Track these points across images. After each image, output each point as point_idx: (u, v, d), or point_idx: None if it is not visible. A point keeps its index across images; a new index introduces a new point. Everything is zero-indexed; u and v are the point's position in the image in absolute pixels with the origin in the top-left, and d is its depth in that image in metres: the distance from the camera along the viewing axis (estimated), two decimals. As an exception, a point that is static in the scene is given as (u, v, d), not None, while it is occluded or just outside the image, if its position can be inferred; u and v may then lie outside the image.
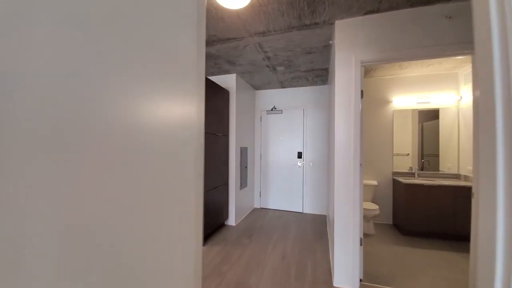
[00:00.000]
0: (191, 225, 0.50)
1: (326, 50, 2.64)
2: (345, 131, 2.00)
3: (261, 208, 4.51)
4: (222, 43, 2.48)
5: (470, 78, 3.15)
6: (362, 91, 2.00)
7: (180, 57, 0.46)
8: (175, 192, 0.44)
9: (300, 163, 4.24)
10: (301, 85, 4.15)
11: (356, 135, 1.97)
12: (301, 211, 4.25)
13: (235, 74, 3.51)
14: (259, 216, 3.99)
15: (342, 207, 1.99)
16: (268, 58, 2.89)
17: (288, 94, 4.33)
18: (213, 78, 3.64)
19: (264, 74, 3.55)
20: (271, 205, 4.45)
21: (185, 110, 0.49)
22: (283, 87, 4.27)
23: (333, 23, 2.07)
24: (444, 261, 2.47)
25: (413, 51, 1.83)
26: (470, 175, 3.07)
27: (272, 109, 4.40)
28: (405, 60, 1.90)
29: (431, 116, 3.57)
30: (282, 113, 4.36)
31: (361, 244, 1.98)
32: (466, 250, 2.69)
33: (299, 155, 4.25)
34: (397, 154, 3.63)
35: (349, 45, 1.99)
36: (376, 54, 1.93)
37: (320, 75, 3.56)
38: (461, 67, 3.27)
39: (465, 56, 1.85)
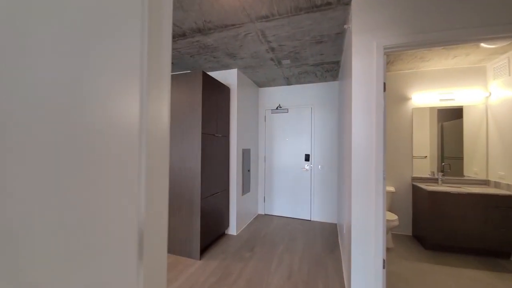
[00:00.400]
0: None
1: (339, 38, 2.31)
2: (365, 132, 1.67)
3: (265, 214, 4.19)
4: (219, 31, 2.18)
5: (501, 71, 2.76)
6: (384, 84, 1.67)
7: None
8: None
9: (307, 166, 3.91)
10: (309, 81, 3.82)
11: (379, 137, 1.63)
12: (309, 219, 3.91)
13: (236, 69, 3.21)
14: (263, 224, 3.67)
15: (360, 223, 1.66)
16: (272, 49, 2.58)
17: (294, 92, 4.01)
18: (212, 74, 3.35)
19: (268, 69, 3.24)
20: (276, 212, 4.12)
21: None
22: (289, 84, 3.95)
23: (349, 3, 1.74)
24: (475, 281, 2.10)
25: (452, 33, 1.49)
26: (503, 181, 2.69)
27: (277, 108, 4.09)
28: (441, 45, 1.55)
29: (452, 115, 3.19)
30: (288, 112, 4.04)
31: (384, 267, 1.64)
32: (501, 268, 2.32)
33: (307, 158, 3.92)
34: (414, 157, 3.27)
35: (369, 28, 1.67)
36: (403, 38, 1.59)
37: (330, 69, 3.22)
38: (490, 60, 2.89)
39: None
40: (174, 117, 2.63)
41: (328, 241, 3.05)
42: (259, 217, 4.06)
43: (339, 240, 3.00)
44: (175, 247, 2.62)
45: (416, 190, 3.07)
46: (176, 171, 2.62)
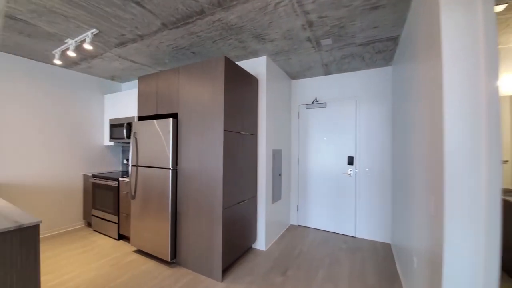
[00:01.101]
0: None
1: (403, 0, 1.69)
2: (468, 132, 1.05)
3: (298, 225, 3.64)
4: (243, 1, 1.74)
5: None
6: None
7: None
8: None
9: (351, 171, 3.25)
10: (354, 68, 3.17)
11: (494, 139, 1.01)
12: (353, 235, 3.24)
13: (265, 57, 2.75)
14: (297, 238, 3.13)
15: (461, 257, 1.05)
16: (310, 24, 2.05)
17: (334, 82, 3.39)
18: (238, 64, 2.94)
19: (304, 54, 2.70)
20: (313, 223, 3.53)
21: None
22: (328, 73, 3.35)
23: None
24: None
25: None
26: None
27: (313, 102, 3.51)
28: None
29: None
30: (326, 106, 3.43)
31: None
32: None
33: (350, 161, 3.26)
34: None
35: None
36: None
37: (383, 49, 2.56)
38: None
39: None
40: (191, 111, 2.28)
41: (382, 267, 2.38)
42: (291, 228, 3.52)
43: (398, 269, 2.31)
44: (193, 260, 2.25)
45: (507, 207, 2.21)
46: (195, 174, 2.25)
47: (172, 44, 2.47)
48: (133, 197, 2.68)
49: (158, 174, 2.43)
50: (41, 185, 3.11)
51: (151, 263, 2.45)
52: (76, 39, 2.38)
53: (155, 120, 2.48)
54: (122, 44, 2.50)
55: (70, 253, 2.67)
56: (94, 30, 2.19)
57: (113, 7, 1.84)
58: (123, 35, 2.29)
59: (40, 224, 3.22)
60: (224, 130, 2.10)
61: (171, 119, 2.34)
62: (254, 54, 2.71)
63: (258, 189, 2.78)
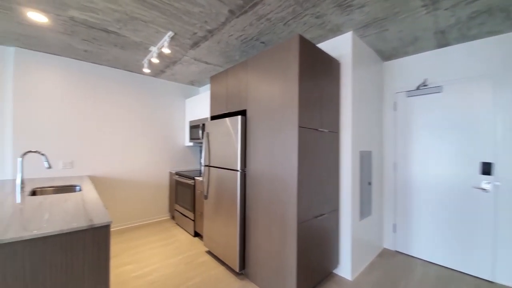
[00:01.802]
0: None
1: None
2: None
3: (396, 251, 2.79)
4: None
5: None
6: None
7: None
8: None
9: (487, 184, 2.19)
10: (490, 32, 2.12)
11: None
12: (490, 279, 2.17)
13: (350, 32, 2.17)
14: (396, 270, 2.35)
15: None
16: (429, -36, 1.38)
17: (454, 57, 2.40)
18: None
19: (408, 21, 1.97)
20: (419, 252, 2.62)
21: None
22: (443, 44, 2.40)
23: None
24: None
25: None
26: None
27: (419, 87, 2.61)
28: None
29: None
30: (441, 91, 2.48)
31: None
32: None
33: (486, 169, 2.20)
34: None
35: None
36: None
37: None
38: None
39: None
40: (260, 106, 1.99)
41: None
42: (385, 254, 2.72)
43: None
44: (263, 276, 1.95)
45: None
46: (264, 178, 1.95)
47: (241, 35, 2.28)
48: (206, 197, 2.66)
49: (228, 176, 2.28)
50: (135, 180, 3.60)
51: (221, 269, 2.32)
52: (157, 46, 2.54)
53: (222, 119, 2.36)
54: (195, 44, 2.50)
55: (153, 245, 2.90)
56: (170, 33, 2.25)
57: (182, 1, 1.77)
58: (194, 33, 2.26)
59: (133, 214, 3.79)
60: (299, 127, 1.70)
61: (239, 116, 2.13)
62: (335, 31, 2.18)
63: (341, 200, 2.22)
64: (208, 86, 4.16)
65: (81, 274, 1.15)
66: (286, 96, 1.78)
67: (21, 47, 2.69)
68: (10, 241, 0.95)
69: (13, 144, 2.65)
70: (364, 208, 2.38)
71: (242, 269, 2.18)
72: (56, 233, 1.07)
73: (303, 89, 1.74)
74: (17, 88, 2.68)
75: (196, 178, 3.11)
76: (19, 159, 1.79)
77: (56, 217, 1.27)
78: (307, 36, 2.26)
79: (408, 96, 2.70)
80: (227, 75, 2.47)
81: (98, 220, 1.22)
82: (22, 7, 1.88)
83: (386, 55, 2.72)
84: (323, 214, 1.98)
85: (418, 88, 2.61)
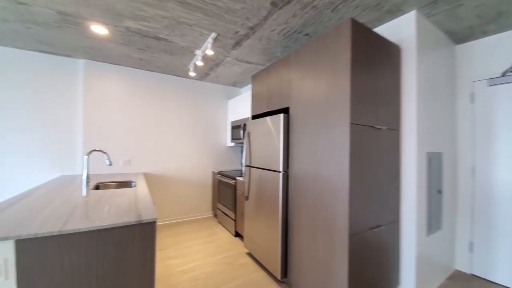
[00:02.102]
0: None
1: None
2: None
3: (472, 275, 2.27)
4: None
5: None
6: None
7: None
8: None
9: None
10: None
11: None
12: None
13: (413, 12, 1.84)
14: (475, 299, 1.90)
15: None
16: None
17: None
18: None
19: (497, -13, 1.56)
20: (502, 277, 2.07)
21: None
22: (547, 15, 1.85)
23: None
24: None
25: None
26: None
27: (506, 73, 2.07)
28: None
29: None
30: (543, 76, 1.91)
31: None
32: None
33: None
34: None
35: None
36: None
37: None
38: None
39: None
40: (305, 102, 1.82)
41: None
42: (458, 277, 2.23)
43: None
44: (307, 286, 1.78)
45: None
46: (309, 181, 1.78)
47: (283, 29, 2.16)
48: (247, 198, 2.61)
49: (269, 177, 2.18)
50: (182, 178, 3.81)
51: (261, 274, 2.23)
52: (201, 49, 2.61)
53: (263, 118, 2.27)
54: (237, 44, 2.49)
55: (197, 241, 2.99)
56: (213, 35, 2.27)
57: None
58: (236, 32, 2.23)
59: (180, 209, 4.00)
60: (351, 123, 1.49)
61: (281, 114, 2.02)
62: (394, 12, 1.88)
63: (403, 210, 1.89)
64: (249, 87, 4.16)
65: (129, 266, 1.19)
66: (335, 89, 1.58)
67: (88, 59, 3.09)
68: (70, 232, 1.03)
69: (83, 143, 3.07)
70: (432, 221, 1.99)
71: (284, 277, 2.04)
72: (109, 227, 1.13)
73: (355, 80, 1.52)
74: (86, 95, 3.09)
75: (237, 178, 3.10)
76: (85, 157, 2.02)
77: (111, 210, 1.36)
78: (361, 21, 2.01)
79: (490, 85, 2.17)
80: (268, 72, 2.38)
81: (146, 216, 1.25)
82: (87, 21, 2.14)
83: (459, 37, 2.24)
84: (381, 226, 1.70)
85: (504, 75, 2.07)
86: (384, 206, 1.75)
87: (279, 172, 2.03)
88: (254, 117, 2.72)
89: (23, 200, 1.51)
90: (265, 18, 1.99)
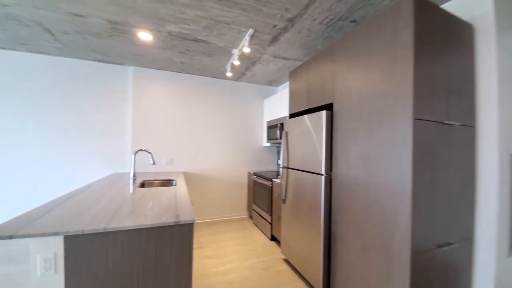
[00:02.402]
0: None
1: None
2: None
3: None
4: None
5: None
6: None
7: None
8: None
9: None
10: None
11: None
12: None
13: (496, -20, 1.48)
14: None
15: None
16: None
17: None
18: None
19: None
20: None
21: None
22: None
23: None
24: None
25: None
26: None
27: None
28: None
29: None
30: None
31: None
32: None
33: None
34: None
35: None
36: None
37: None
38: None
39: None
40: (353, 97, 1.61)
41: None
42: None
43: None
44: (356, 315, 1.56)
45: None
46: (358, 187, 1.56)
47: (326, 17, 1.97)
48: (284, 201, 2.48)
49: (309, 180, 2.01)
50: (218, 177, 3.85)
51: (300, 285, 2.07)
52: (238, 47, 2.57)
53: (302, 116, 2.11)
54: (274, 39, 2.38)
55: (233, 242, 2.96)
56: (250, 31, 2.21)
57: (262, -10, 1.65)
58: (274, 26, 2.12)
59: (216, 209, 4.03)
60: (415, 119, 1.24)
61: (324, 112, 1.83)
62: (468, -15, 1.54)
63: (479, 225, 1.53)
64: (285, 85, 4.02)
65: (168, 266, 1.18)
66: (394, 78, 1.35)
67: (136, 66, 3.33)
68: (113, 230, 1.04)
69: (131, 144, 3.32)
70: (522, 241, 1.57)
71: (327, 291, 1.85)
72: (148, 226, 1.12)
73: (419, 66, 1.27)
74: (134, 99, 3.34)
75: (273, 180, 2.99)
76: (132, 156, 2.15)
77: (153, 209, 1.37)
78: (418, 1, 1.71)
79: None
80: (308, 67, 2.21)
81: (184, 218, 1.22)
82: (134, 28, 2.27)
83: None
84: (451, 243, 1.40)
85: None
86: (456, 219, 1.43)
87: (321, 175, 1.84)
88: (292, 115, 2.58)
89: (78, 196, 1.64)
90: (306, 6, 1.83)
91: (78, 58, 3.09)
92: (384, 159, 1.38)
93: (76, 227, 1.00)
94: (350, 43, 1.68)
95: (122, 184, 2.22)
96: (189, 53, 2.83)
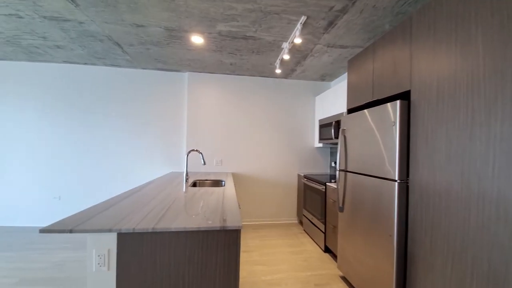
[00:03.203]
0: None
1: None
2: None
3: None
4: None
5: None
6: None
7: None
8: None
9: None
10: None
11: None
12: None
13: None
14: None
15: None
16: None
17: None
18: None
19: None
20: None
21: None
22: None
23: None
24: None
25: None
26: None
27: None
28: None
29: None
30: None
31: None
32: None
33: None
34: None
35: None
36: None
37: None
38: None
39: None
40: (439, 79, 1.22)
41: None
42: None
43: None
44: None
45: None
46: (455, 197, 1.17)
47: (397, -11, 1.62)
48: (341, 210, 2.16)
49: (375, 186, 1.67)
50: (266, 179, 3.72)
51: (364, 312, 1.73)
52: (289, 40, 2.39)
53: (365, 110, 1.77)
54: (330, 24, 2.11)
55: (282, 249, 2.77)
56: (302, 19, 2.00)
57: (318, -34, 1.44)
58: (331, 8, 1.86)
59: (264, 212, 3.89)
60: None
61: (398, 101, 1.48)
62: None
63: None
64: (340, 78, 3.62)
65: (213, 271, 1.09)
66: (507, 49, 0.95)
67: (191, 71, 3.51)
68: (161, 230, 1.00)
69: (186, 144, 3.50)
70: None
71: (402, 327, 1.48)
72: (194, 229, 1.05)
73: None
74: (189, 103, 3.53)
75: (328, 184, 2.68)
76: (185, 157, 2.21)
77: (200, 210, 1.31)
78: None
79: None
80: (373, 51, 1.87)
81: (231, 223, 1.11)
82: (188, 33, 2.34)
83: None
84: None
85: None
86: None
87: (394, 181, 1.49)
88: (351, 111, 2.24)
89: (136, 193, 1.73)
90: (372, -22, 1.53)
91: (143, 68, 3.44)
92: (498, 157, 0.98)
93: (128, 225, 0.99)
94: (435, 14, 1.30)
95: (176, 183, 2.30)
96: (238, 53, 2.80)
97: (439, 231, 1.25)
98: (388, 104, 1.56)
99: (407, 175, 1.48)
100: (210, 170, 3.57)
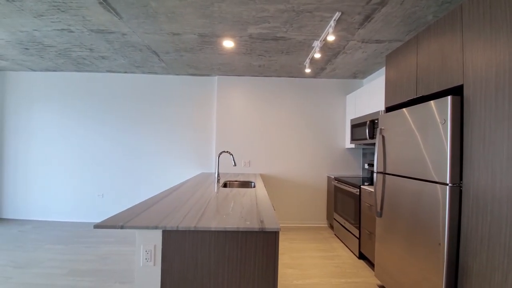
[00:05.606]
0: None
1: None
2: None
3: None
4: None
5: None
6: None
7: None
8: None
9: None
10: None
11: None
12: None
13: None
14: None
15: None
16: None
17: None
18: None
19: None
20: None
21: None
22: None
23: None
24: None
25: None
26: None
27: None
28: None
29: None
30: None
31: None
32: None
33: None
34: None
35: None
36: None
37: None
38: None
39: None
40: (500, 71, 1.08)
41: None
42: None
43: None
44: None
45: None
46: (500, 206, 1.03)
47: (445, -25, 1.48)
48: (379, 215, 2.03)
49: (420, 190, 1.54)
50: (295, 180, 3.66)
51: (409, 326, 1.60)
52: (320, 38, 2.33)
53: (413, 107, 1.64)
54: (366, 19, 2.01)
55: (312, 253, 2.69)
56: (336, 15, 1.93)
57: (355, -41, 1.38)
58: (369, 1, 1.76)
59: (293, 214, 3.80)
60: None
61: (449, 97, 1.34)
62: None
63: None
64: (374, 75, 3.43)
65: (252, 273, 1.09)
66: None
67: (220, 75, 3.61)
68: (202, 229, 1.03)
69: (215, 146, 3.60)
70: None
71: None
72: (233, 229, 1.06)
73: None
74: (218, 105, 3.62)
75: (362, 187, 2.54)
76: (216, 158, 2.26)
77: (236, 211, 1.33)
78: None
79: None
80: (417, 43, 1.73)
81: (269, 225, 1.11)
82: (219, 38, 2.41)
83: None
84: None
85: None
86: None
87: (445, 184, 1.35)
88: (389, 109, 2.10)
89: (174, 193, 1.82)
90: (416, -34, 1.41)
91: (176, 74, 3.62)
92: None
93: (172, 223, 1.04)
94: (496, -4, 1.15)
95: (208, 183, 2.37)
96: (267, 54, 2.80)
97: (499, 241, 1.10)
98: (432, 102, 1.42)
99: (460, 179, 1.33)
100: (239, 171, 3.61)
